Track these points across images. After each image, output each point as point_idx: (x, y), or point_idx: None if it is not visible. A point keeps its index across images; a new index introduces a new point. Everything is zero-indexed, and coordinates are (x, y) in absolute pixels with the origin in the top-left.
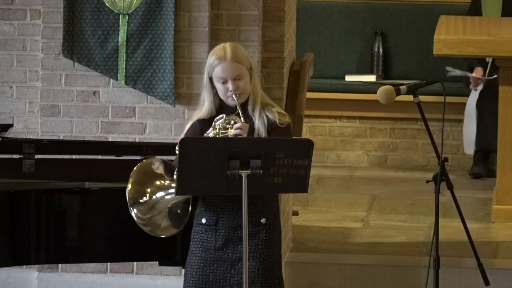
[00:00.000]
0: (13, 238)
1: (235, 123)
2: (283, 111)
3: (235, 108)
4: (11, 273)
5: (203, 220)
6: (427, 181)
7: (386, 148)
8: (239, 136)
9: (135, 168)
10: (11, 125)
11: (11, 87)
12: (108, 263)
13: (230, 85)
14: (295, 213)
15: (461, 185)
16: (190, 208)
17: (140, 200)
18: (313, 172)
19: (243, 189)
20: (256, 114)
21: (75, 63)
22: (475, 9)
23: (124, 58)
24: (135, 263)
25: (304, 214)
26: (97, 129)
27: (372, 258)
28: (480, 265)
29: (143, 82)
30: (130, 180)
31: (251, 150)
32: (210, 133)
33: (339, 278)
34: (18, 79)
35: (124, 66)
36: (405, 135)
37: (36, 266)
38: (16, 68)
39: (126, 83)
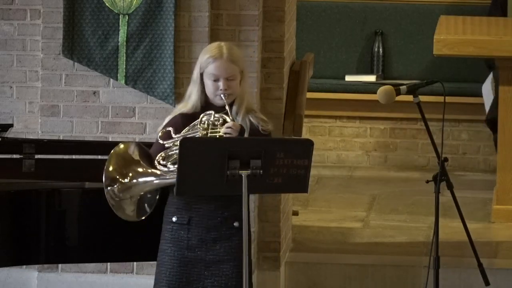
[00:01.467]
0: (13, 238)
1: (224, 121)
2: (266, 119)
3: (220, 107)
4: (11, 273)
5: (174, 218)
6: (427, 181)
7: (386, 148)
8: (229, 136)
9: (112, 152)
10: (11, 125)
11: (11, 87)
12: (108, 263)
13: (221, 84)
14: (295, 213)
15: (461, 185)
16: (155, 201)
17: (122, 180)
18: (313, 172)
19: (243, 189)
20: (239, 118)
21: (75, 63)
22: (499, 7)
23: (124, 58)
24: (135, 263)
25: (304, 214)
26: (97, 129)
27: (372, 258)
28: (480, 265)
29: (143, 82)
30: (111, 162)
31: (251, 150)
32: (198, 128)
33: (339, 278)
34: (18, 79)
35: (124, 66)
36: (405, 135)
37: (36, 266)
38: (16, 68)
39: (126, 83)
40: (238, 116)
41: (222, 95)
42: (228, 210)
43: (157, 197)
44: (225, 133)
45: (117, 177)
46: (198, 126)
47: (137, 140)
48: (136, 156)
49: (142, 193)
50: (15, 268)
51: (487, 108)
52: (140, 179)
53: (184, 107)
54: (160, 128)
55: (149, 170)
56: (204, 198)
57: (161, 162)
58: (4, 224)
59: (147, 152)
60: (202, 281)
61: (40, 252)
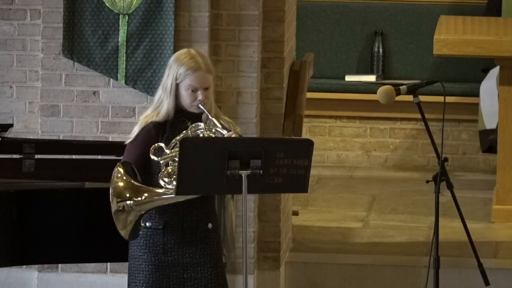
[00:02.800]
0: (13, 238)
1: (216, 131)
2: (232, 121)
3: (192, 115)
4: (11, 273)
5: (148, 224)
6: (427, 181)
7: (386, 148)
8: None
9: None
10: (11, 125)
11: (11, 87)
12: (108, 263)
13: (199, 95)
14: (295, 213)
15: (461, 185)
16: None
17: (137, 199)
18: (313, 172)
19: (243, 189)
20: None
21: (75, 63)
22: (494, 8)
23: (124, 58)
24: None
25: (304, 214)
26: (97, 129)
27: (372, 258)
28: (480, 265)
29: (143, 82)
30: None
31: (251, 150)
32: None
33: (339, 278)
34: (18, 79)
35: (124, 66)
36: (405, 135)
37: (36, 266)
38: (16, 68)
39: (126, 83)
40: (208, 121)
41: (200, 105)
42: (202, 212)
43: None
44: None
45: (131, 196)
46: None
47: None
48: (136, 181)
49: (144, 212)
50: (15, 268)
51: (493, 112)
52: (156, 199)
53: (155, 115)
54: (132, 136)
55: (155, 192)
56: (178, 202)
57: (166, 179)
58: (4, 224)
59: (133, 168)
60: (182, 284)
61: (40, 252)
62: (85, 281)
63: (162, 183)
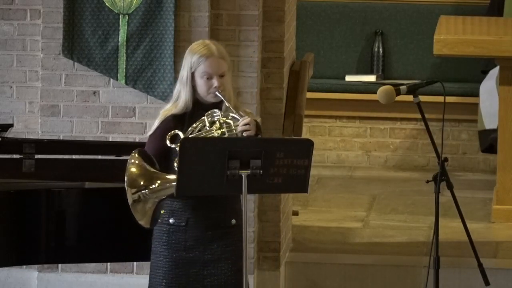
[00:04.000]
0: (13, 238)
1: (233, 118)
2: (252, 112)
3: (210, 105)
4: (11, 273)
5: (171, 220)
6: (427, 181)
7: (386, 148)
8: (248, 133)
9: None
10: (11, 125)
11: (11, 87)
12: (108, 263)
13: (215, 81)
14: (295, 213)
15: (461, 185)
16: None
17: (151, 186)
18: (313, 172)
19: (243, 189)
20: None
21: (75, 63)
22: (496, 8)
23: (124, 58)
24: (135, 263)
25: (304, 214)
26: (97, 129)
27: (372, 258)
28: (480, 265)
29: (143, 82)
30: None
31: (251, 150)
32: (210, 129)
33: (339, 278)
34: (18, 79)
35: (124, 66)
36: (405, 135)
37: (36, 266)
38: (16, 68)
39: (126, 83)
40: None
41: (217, 92)
42: (225, 208)
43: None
44: (243, 131)
45: (145, 184)
46: (207, 127)
47: (137, 140)
48: (151, 168)
49: (162, 198)
50: (15, 268)
51: (484, 111)
52: (168, 186)
53: (174, 108)
54: (151, 131)
55: (173, 178)
56: (200, 198)
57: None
58: (4, 224)
59: (149, 156)
60: (201, 281)
61: (40, 252)
62: (85, 281)
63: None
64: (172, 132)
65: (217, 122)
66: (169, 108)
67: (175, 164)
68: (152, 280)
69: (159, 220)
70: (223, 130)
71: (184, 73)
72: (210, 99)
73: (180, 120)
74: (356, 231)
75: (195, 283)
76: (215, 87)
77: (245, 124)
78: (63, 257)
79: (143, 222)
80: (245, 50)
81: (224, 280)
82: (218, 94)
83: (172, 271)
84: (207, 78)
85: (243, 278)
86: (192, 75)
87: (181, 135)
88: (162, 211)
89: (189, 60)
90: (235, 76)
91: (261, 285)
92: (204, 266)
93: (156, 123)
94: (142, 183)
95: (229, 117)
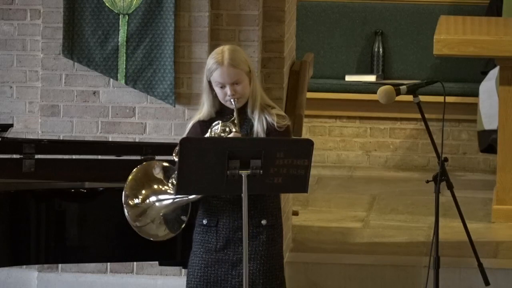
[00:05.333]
0: (13, 238)
1: (230, 130)
2: (283, 113)
3: (233, 110)
4: (11, 273)
5: (204, 221)
6: (427, 181)
7: (386, 148)
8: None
9: (138, 167)
10: (11, 125)
11: (11, 87)
12: (108, 263)
13: (228, 90)
14: (295, 213)
15: (461, 185)
16: (189, 210)
17: (130, 203)
18: (313, 172)
19: (243, 189)
20: (256, 116)
21: (75, 63)
22: (495, 9)
23: (124, 58)
24: (135, 263)
25: (304, 214)
26: (97, 129)
27: (372, 258)
28: (480, 265)
29: (143, 82)
30: (130, 177)
31: (251, 150)
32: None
33: (339, 278)
34: (18, 79)
35: (124, 66)
36: (405, 135)
37: (36, 266)
38: (16, 68)
39: (126, 83)
40: (254, 115)
41: (231, 100)
42: (255, 208)
43: (189, 208)
44: None
45: (130, 197)
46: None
47: (137, 140)
48: (160, 176)
49: (162, 214)
50: (15, 268)
51: (483, 111)
52: (152, 199)
53: (200, 113)
54: (184, 135)
55: (164, 188)
56: (230, 198)
57: (174, 182)
58: (4, 224)
59: (172, 173)
60: (230, 280)
61: (40, 252)
62: (85, 281)
63: (170, 183)
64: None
65: (213, 134)
66: (197, 114)
67: (170, 182)
68: (187, 279)
69: (196, 220)
70: None
71: (204, 80)
72: (228, 105)
73: (206, 125)
74: (356, 231)
75: (224, 282)
76: (229, 95)
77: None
78: (63, 257)
79: (163, 236)
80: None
81: (252, 280)
82: (232, 102)
83: (201, 270)
84: (221, 87)
85: (273, 277)
86: (210, 82)
87: None
88: (199, 222)
89: (206, 67)
90: None
91: None
92: (233, 266)
93: (187, 130)
94: (129, 208)
95: (226, 129)
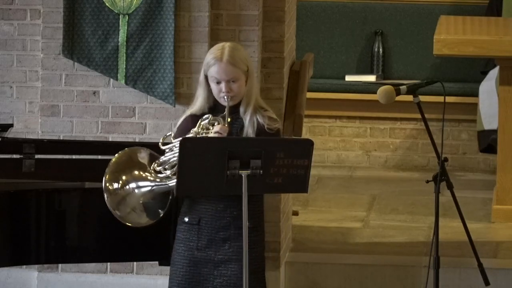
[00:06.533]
0: (13, 238)
1: (218, 124)
2: (275, 117)
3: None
4: (11, 273)
5: (186, 219)
6: (427, 181)
7: (386, 148)
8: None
9: (122, 151)
10: (11, 125)
11: (11, 87)
12: (108, 263)
13: (223, 87)
14: (295, 213)
15: (461, 185)
16: (168, 203)
17: (110, 188)
18: (313, 172)
19: (243, 189)
20: (247, 117)
21: (75, 63)
22: (495, 9)
23: (124, 58)
24: (135, 263)
25: (304, 214)
26: (97, 129)
27: (372, 258)
28: (480, 265)
29: (143, 82)
30: (112, 160)
31: (251, 150)
32: (192, 131)
33: (339, 278)
34: (18, 79)
35: (124, 66)
36: (405, 135)
37: (36, 266)
38: (16, 68)
39: (126, 83)
40: (246, 115)
41: (225, 97)
42: (238, 210)
43: (170, 196)
44: None
45: (109, 181)
46: (195, 129)
47: (137, 140)
48: (144, 160)
49: (142, 201)
50: (15, 268)
51: (483, 111)
52: (132, 186)
53: (192, 108)
54: (174, 130)
55: (143, 175)
56: (213, 198)
57: (157, 168)
58: (4, 224)
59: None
60: (212, 280)
61: (40, 252)
62: (85, 281)
63: (151, 169)
64: (167, 134)
65: (200, 127)
66: (190, 109)
67: (152, 168)
68: (170, 277)
69: (178, 218)
70: (198, 130)
71: (201, 73)
72: (222, 102)
73: (197, 120)
74: (356, 231)
75: (206, 282)
76: (223, 92)
77: (215, 132)
78: (63, 257)
79: (144, 222)
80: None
81: (234, 281)
82: (226, 99)
83: (183, 269)
84: (217, 83)
85: (256, 280)
86: (206, 77)
87: (172, 138)
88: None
89: (204, 62)
90: None
91: None
92: (215, 266)
93: (178, 122)
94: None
95: (215, 123)
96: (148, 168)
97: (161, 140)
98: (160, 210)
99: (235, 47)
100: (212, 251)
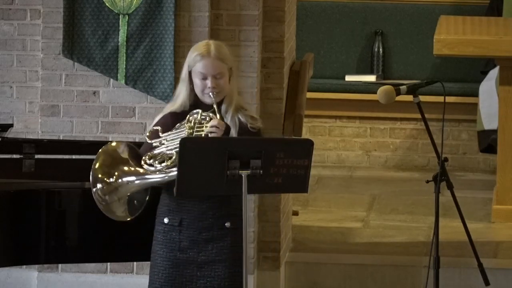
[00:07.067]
0: (13, 238)
1: (211, 119)
2: (256, 116)
3: (209, 106)
4: (11, 273)
5: (165, 220)
6: (427, 181)
7: (386, 148)
8: (213, 135)
9: (101, 150)
10: (11, 125)
11: (11, 87)
12: (108, 263)
13: (209, 82)
14: (295, 213)
15: (461, 185)
16: (147, 199)
17: (107, 180)
18: (313, 172)
19: (243, 189)
20: (229, 116)
21: (75, 63)
22: (495, 9)
23: (124, 58)
24: (135, 263)
25: (304, 214)
26: (97, 129)
27: (372, 258)
28: (480, 265)
29: (143, 82)
30: (98, 160)
31: (251, 150)
32: (185, 126)
33: (339, 278)
34: (18, 79)
35: (124, 66)
36: (405, 135)
37: (36, 266)
38: (16, 68)
39: (126, 83)
40: (227, 114)
41: (210, 93)
42: (220, 211)
43: (148, 195)
44: (209, 132)
45: (103, 176)
46: (185, 124)
47: (137, 140)
48: (125, 155)
49: (129, 194)
50: (15, 268)
51: (483, 111)
52: (126, 179)
53: (173, 106)
54: (150, 127)
55: (135, 169)
56: (194, 199)
57: (148, 161)
58: (4, 224)
59: (137, 153)
60: (195, 282)
61: (40, 252)
62: (85, 281)
63: (142, 162)
64: (153, 129)
65: (193, 121)
66: (168, 106)
67: (143, 161)
68: (150, 278)
69: (156, 219)
70: (193, 130)
71: (184, 70)
72: (205, 99)
73: (178, 118)
74: (356, 231)
75: (189, 284)
76: (209, 87)
77: (212, 126)
78: (63, 257)
79: (122, 217)
80: (245, 50)
81: (218, 283)
82: (211, 95)
83: (166, 270)
84: (202, 78)
85: (239, 281)
86: (190, 73)
87: (160, 132)
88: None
89: (188, 58)
90: None
91: (261, 285)
92: (198, 267)
93: (155, 120)
94: (99, 182)
95: (207, 118)
96: (132, 162)
97: (147, 134)
98: (138, 208)
99: (220, 44)
100: (194, 252)
